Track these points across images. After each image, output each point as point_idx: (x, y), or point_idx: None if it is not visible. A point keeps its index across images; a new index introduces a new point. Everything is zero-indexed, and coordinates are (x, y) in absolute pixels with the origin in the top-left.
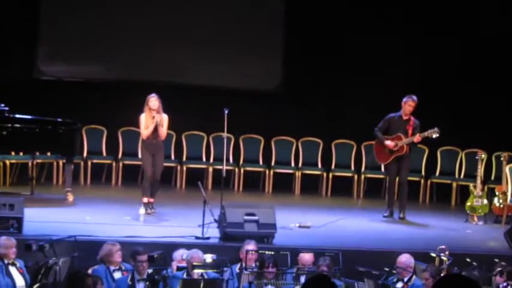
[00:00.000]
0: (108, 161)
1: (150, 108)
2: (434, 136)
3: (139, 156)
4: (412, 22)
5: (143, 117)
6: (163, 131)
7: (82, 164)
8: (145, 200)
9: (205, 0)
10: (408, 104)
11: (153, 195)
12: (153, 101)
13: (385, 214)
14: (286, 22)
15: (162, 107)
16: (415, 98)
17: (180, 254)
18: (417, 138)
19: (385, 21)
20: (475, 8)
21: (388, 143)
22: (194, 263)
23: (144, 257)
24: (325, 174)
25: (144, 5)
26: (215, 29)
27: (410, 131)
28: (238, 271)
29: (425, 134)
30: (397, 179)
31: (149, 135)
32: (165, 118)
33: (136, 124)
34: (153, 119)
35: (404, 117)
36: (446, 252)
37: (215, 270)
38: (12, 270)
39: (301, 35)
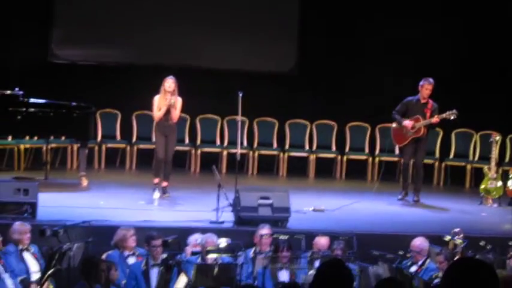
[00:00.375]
0: (123, 145)
1: (165, 90)
2: (452, 118)
3: (153, 139)
4: (430, 5)
5: (157, 99)
6: (177, 113)
7: (96, 148)
8: (156, 180)
9: None
10: (425, 87)
11: (166, 178)
12: (170, 82)
13: (400, 197)
14: (301, 3)
15: (177, 90)
16: (431, 80)
17: (194, 238)
18: (435, 119)
19: (401, 5)
20: None
21: (407, 123)
22: (208, 248)
23: (159, 242)
24: (339, 158)
25: None
26: (229, 11)
27: (428, 114)
28: (252, 255)
29: (444, 115)
30: (413, 161)
31: (161, 117)
32: (179, 100)
33: (151, 108)
34: (167, 100)
35: (423, 101)
36: (461, 235)
37: (229, 255)
38: (27, 255)
39: (316, 17)
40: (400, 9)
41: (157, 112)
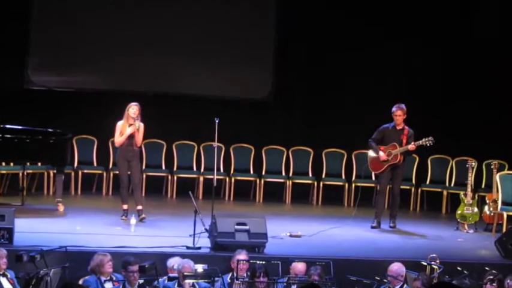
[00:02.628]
0: (99, 171)
1: (128, 116)
2: (428, 144)
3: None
4: (404, 34)
5: (120, 125)
6: (140, 137)
7: (73, 174)
8: (125, 206)
9: (195, 10)
10: (396, 114)
11: (139, 202)
12: (135, 109)
13: (373, 225)
14: (277, 31)
15: (141, 116)
16: (403, 106)
17: (175, 261)
18: (412, 146)
19: (375, 32)
20: (464, 12)
21: (381, 154)
22: (185, 273)
23: (135, 267)
24: (316, 183)
25: (135, 16)
26: (205, 38)
27: (404, 141)
28: (229, 281)
29: (420, 142)
30: (389, 188)
31: (123, 142)
32: (141, 126)
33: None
34: (130, 125)
35: (398, 127)
36: (437, 261)
37: (206, 280)
38: (3, 281)
39: (291, 44)
40: (376, 37)
41: (119, 138)
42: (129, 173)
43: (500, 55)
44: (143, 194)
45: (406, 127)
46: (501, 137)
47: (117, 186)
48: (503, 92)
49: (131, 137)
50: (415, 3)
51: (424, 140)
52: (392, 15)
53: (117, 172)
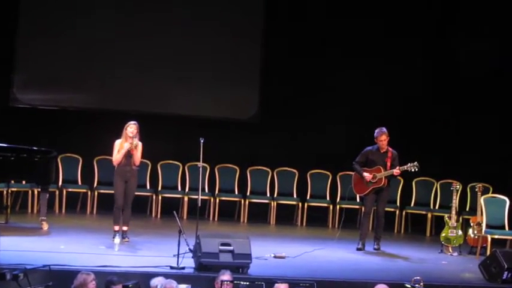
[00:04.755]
0: (84, 190)
1: (127, 135)
2: (413, 170)
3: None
4: (386, 54)
5: (118, 143)
6: (138, 156)
7: (57, 192)
8: (116, 228)
9: (182, 29)
10: (381, 139)
11: (125, 223)
12: (133, 128)
13: (358, 246)
14: (263, 52)
15: (139, 135)
16: (384, 130)
17: (158, 281)
18: (397, 171)
19: (360, 53)
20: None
21: (366, 175)
22: None
23: (119, 287)
24: (300, 204)
25: (121, 36)
26: (191, 58)
27: (389, 163)
28: None
29: (405, 167)
30: (374, 210)
31: (121, 160)
32: (140, 144)
33: (112, 153)
34: (130, 144)
35: (382, 150)
36: (421, 283)
37: None
38: None
39: (277, 65)
40: (361, 60)
41: (117, 155)
42: None
43: (483, 79)
44: None
45: (390, 149)
46: (485, 160)
47: (102, 206)
48: (487, 115)
49: (129, 156)
50: (396, 27)
51: (409, 165)
52: (375, 42)
53: (101, 191)
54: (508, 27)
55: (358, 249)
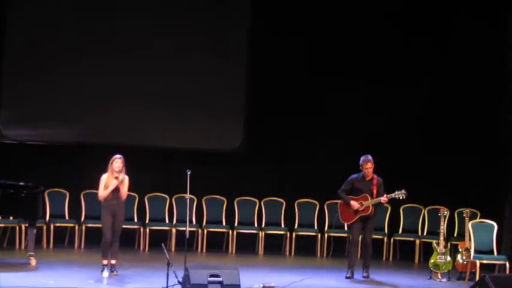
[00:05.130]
0: (71, 225)
1: (113, 169)
2: (401, 197)
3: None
4: (372, 81)
5: (104, 178)
6: (125, 190)
7: (45, 227)
8: (105, 262)
9: (166, 62)
10: (367, 167)
11: (114, 257)
12: (119, 162)
13: (347, 275)
14: (247, 84)
15: (125, 168)
16: (370, 157)
17: None
18: (384, 199)
19: (344, 80)
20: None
21: (353, 203)
22: None
23: None
24: (288, 234)
25: (106, 69)
26: (176, 90)
27: (375, 191)
28: None
29: (393, 195)
30: (361, 238)
31: (107, 196)
32: (126, 178)
33: (98, 186)
34: (116, 178)
35: (367, 178)
36: None
37: None
38: None
39: (262, 96)
40: (348, 85)
41: (103, 192)
42: None
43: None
44: None
45: (375, 176)
46: (472, 185)
47: (90, 240)
48: (475, 141)
49: (116, 190)
50: (390, 51)
51: (397, 192)
52: (362, 67)
53: (89, 225)
54: None
55: (347, 278)
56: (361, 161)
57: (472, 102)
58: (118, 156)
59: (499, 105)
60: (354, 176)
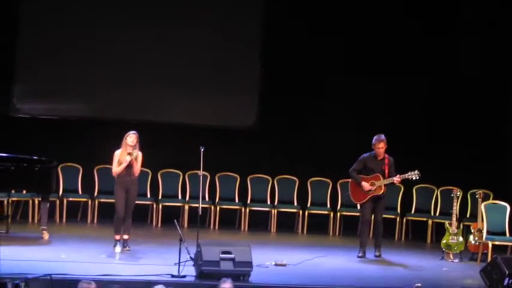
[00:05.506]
0: (84, 199)
1: (127, 145)
2: (414, 178)
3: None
4: (384, 67)
5: (117, 154)
6: (138, 167)
7: (58, 202)
8: (117, 237)
9: (181, 39)
10: (377, 146)
11: (126, 232)
12: (133, 137)
13: (359, 254)
14: (262, 60)
15: (139, 144)
16: (383, 137)
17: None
18: (397, 179)
19: (363, 63)
20: (452, 49)
21: (364, 184)
22: None
23: None
24: (301, 212)
25: (120, 44)
26: (190, 67)
27: (386, 170)
28: None
29: (406, 176)
30: (373, 217)
31: (121, 172)
32: (140, 155)
33: (111, 162)
34: (129, 154)
35: (379, 158)
36: None
37: None
38: None
39: (276, 74)
40: (361, 68)
41: (117, 167)
42: None
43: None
44: None
45: (387, 155)
46: (486, 166)
47: (103, 215)
48: (489, 123)
49: (129, 166)
50: (398, 43)
51: (410, 173)
52: (376, 53)
53: (102, 200)
54: None
55: (359, 257)
56: (373, 140)
57: (482, 82)
58: (132, 132)
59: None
60: (366, 155)
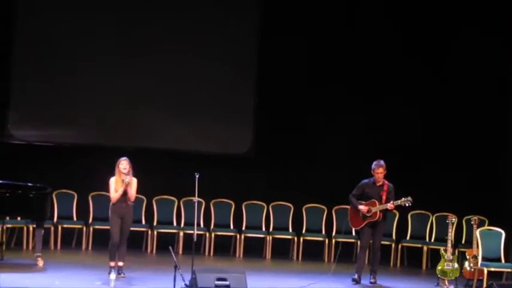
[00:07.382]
0: (79, 226)
1: (120, 171)
2: (407, 205)
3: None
4: (373, 99)
5: (113, 181)
6: (133, 193)
7: (52, 228)
8: (112, 264)
9: (177, 66)
10: (378, 172)
11: (121, 259)
12: (124, 164)
13: (354, 277)
14: (257, 88)
15: (132, 170)
16: (382, 163)
17: None
18: (390, 206)
19: (357, 87)
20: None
21: (361, 207)
22: None
23: None
24: (296, 239)
25: (116, 71)
26: (186, 94)
27: (384, 196)
28: None
29: (399, 202)
30: (370, 244)
31: (119, 198)
32: (134, 180)
33: (107, 189)
34: (123, 181)
35: (378, 184)
36: None
37: None
38: None
39: (271, 101)
40: (356, 91)
41: (115, 194)
42: None
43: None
44: None
45: (386, 182)
46: (481, 193)
47: (98, 241)
48: (483, 149)
49: (124, 192)
50: (391, 66)
51: (403, 199)
52: (371, 82)
53: (96, 227)
54: None
55: (353, 280)
56: (373, 166)
57: (479, 109)
58: (123, 158)
59: (508, 111)
60: (365, 181)
